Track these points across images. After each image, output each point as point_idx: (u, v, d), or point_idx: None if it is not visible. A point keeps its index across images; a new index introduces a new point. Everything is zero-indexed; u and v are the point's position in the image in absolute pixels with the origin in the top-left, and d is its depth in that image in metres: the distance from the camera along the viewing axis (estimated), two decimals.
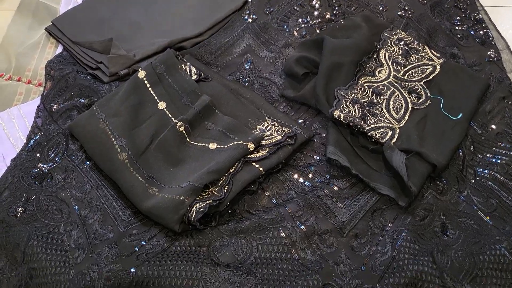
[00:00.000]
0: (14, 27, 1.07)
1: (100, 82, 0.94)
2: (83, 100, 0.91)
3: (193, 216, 0.72)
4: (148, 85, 0.88)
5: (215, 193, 0.75)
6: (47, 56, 1.02)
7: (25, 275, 0.71)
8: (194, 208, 0.72)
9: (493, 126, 0.89)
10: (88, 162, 0.83)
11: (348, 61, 0.91)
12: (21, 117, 0.92)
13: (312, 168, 0.83)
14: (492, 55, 0.99)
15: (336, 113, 0.85)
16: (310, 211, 0.77)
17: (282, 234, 0.74)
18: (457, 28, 1.04)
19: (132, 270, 0.69)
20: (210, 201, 0.73)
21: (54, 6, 1.12)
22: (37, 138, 0.87)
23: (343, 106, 0.86)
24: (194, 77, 0.90)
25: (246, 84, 0.94)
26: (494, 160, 0.85)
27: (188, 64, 0.91)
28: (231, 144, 0.80)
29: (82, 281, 0.68)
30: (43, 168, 0.82)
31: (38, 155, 0.84)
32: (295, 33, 1.02)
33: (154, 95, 0.87)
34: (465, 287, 0.71)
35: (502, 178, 0.82)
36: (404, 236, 0.74)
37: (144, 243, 0.72)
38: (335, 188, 0.80)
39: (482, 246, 0.74)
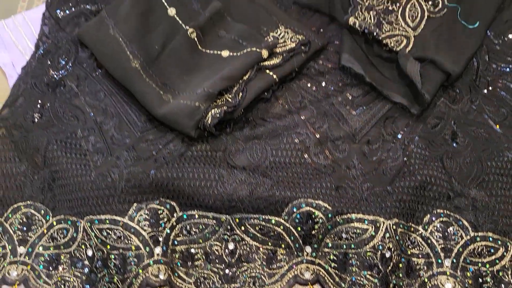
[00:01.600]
0: None
1: None
2: (89, 7, 0.88)
3: (209, 122, 0.72)
4: None
5: (230, 100, 0.75)
6: None
7: (47, 178, 0.73)
8: (209, 114, 0.73)
9: (510, 36, 0.86)
10: (100, 70, 0.82)
11: None
12: (27, 24, 0.89)
13: (326, 77, 0.83)
14: None
15: (351, 20, 0.82)
16: (323, 118, 0.78)
17: (296, 140, 0.75)
18: None
19: (152, 172, 0.71)
20: (225, 107, 0.74)
21: None
22: (46, 46, 0.85)
23: (358, 13, 0.83)
24: None
25: None
26: (508, 70, 0.84)
27: None
28: (244, 51, 0.78)
29: (104, 182, 0.70)
30: (55, 75, 0.82)
31: (48, 62, 0.83)
32: None
33: (163, 0, 0.85)
34: (472, 191, 0.73)
35: None
36: (416, 143, 0.76)
37: (161, 147, 0.74)
38: (348, 96, 0.80)
39: (491, 153, 0.76)
